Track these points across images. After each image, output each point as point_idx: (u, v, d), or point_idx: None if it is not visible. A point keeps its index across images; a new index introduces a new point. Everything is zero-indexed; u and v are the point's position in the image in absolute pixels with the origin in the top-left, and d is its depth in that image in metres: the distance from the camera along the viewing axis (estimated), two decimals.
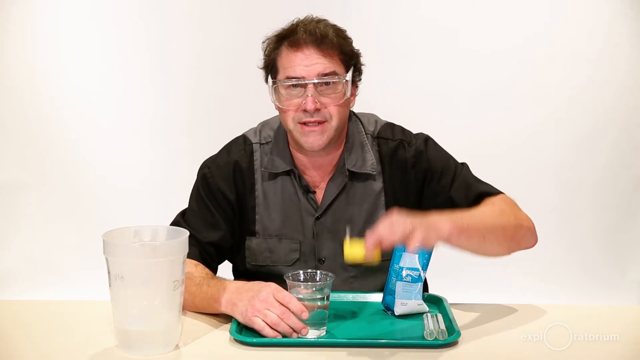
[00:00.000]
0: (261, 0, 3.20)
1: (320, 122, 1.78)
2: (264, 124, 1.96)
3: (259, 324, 1.54)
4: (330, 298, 1.59)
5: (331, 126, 1.79)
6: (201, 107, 3.32)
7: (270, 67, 1.83)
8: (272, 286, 1.59)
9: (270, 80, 1.82)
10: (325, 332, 1.57)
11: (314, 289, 1.57)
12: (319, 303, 1.56)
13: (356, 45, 1.85)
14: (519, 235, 1.73)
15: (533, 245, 1.78)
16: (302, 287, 1.57)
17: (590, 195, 3.31)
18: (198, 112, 3.32)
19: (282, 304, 1.55)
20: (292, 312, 1.54)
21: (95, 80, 3.28)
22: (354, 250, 1.51)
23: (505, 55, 3.23)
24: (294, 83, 1.77)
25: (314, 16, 1.83)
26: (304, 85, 1.76)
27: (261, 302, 1.56)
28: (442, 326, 1.58)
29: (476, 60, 3.24)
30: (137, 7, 3.26)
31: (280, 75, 1.80)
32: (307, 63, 1.76)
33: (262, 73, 1.86)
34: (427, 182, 1.87)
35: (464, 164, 1.91)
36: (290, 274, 1.61)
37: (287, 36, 1.79)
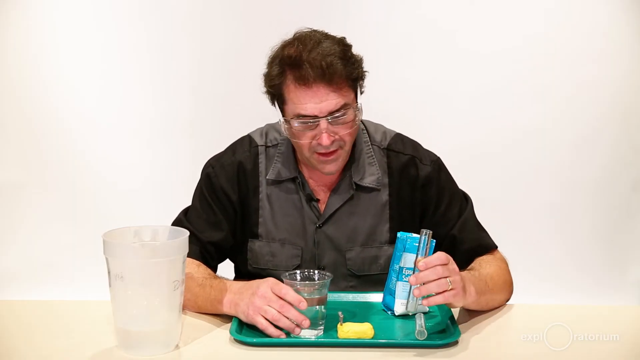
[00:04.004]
0: (263, 0, 3.20)
1: (335, 151, 1.77)
2: (270, 126, 1.95)
3: (261, 323, 1.54)
4: (330, 298, 1.59)
5: (345, 151, 1.80)
6: (202, 107, 3.32)
7: (277, 96, 1.78)
8: (270, 280, 1.59)
9: (281, 117, 1.79)
10: (322, 332, 1.56)
11: (311, 288, 1.57)
12: (316, 302, 1.56)
13: (356, 45, 1.84)
14: (509, 293, 1.80)
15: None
16: (299, 286, 1.57)
17: (590, 195, 3.31)
18: (199, 112, 3.32)
19: (280, 297, 1.55)
20: (291, 304, 1.54)
21: (95, 81, 3.28)
22: (346, 331, 1.54)
23: (505, 55, 3.23)
24: (306, 122, 1.73)
25: (312, 34, 1.75)
26: (317, 121, 1.73)
27: (260, 298, 1.56)
28: (422, 327, 1.53)
29: (476, 60, 3.24)
30: (138, 7, 3.26)
31: (290, 109, 1.75)
32: (317, 101, 1.71)
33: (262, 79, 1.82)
34: (433, 210, 1.88)
35: (467, 199, 1.92)
36: (287, 274, 1.61)
37: (292, 65, 1.71)
